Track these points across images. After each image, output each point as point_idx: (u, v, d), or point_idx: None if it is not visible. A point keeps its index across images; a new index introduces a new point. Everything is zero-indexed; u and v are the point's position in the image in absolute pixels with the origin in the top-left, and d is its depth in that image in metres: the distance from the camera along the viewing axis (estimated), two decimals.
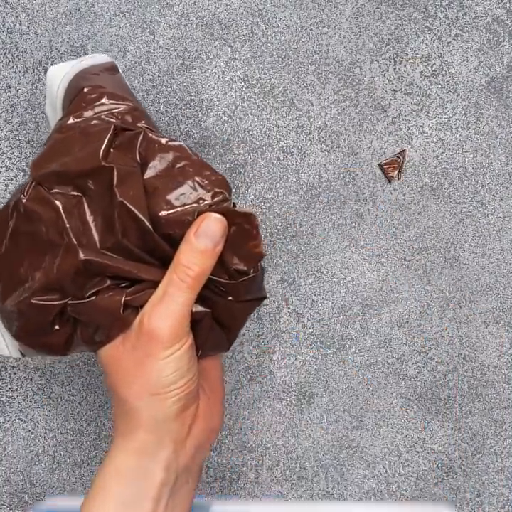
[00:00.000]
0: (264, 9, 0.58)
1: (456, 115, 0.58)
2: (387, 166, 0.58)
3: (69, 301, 0.41)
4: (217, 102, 0.58)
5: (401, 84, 0.58)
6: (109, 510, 0.39)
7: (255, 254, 0.41)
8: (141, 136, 0.42)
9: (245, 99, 0.58)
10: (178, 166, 0.42)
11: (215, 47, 0.58)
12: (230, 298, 0.43)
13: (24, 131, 0.58)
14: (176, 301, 0.39)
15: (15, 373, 0.58)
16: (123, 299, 0.40)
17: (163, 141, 0.42)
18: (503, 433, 0.58)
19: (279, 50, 0.58)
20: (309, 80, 0.58)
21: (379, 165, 0.58)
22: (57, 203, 0.41)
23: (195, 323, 0.42)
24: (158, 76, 0.58)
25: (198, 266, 0.40)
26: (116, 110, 0.43)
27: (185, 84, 0.58)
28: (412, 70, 0.58)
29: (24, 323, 0.41)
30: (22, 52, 0.58)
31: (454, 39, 0.58)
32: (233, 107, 0.58)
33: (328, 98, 0.58)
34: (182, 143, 0.43)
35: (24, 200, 0.41)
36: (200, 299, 0.42)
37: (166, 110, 0.58)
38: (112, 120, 0.43)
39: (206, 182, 0.41)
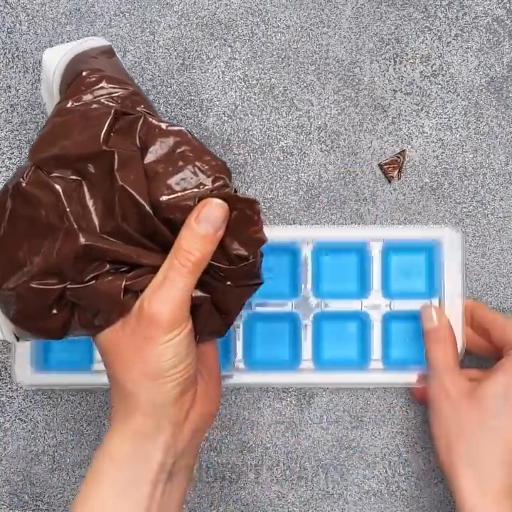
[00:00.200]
0: (264, 9, 0.58)
1: (456, 115, 0.58)
2: (387, 166, 0.58)
3: (68, 286, 0.40)
4: (217, 102, 0.58)
5: (401, 84, 0.58)
6: (106, 494, 0.39)
7: (256, 239, 0.41)
8: (141, 120, 0.42)
9: (245, 99, 0.58)
10: (179, 150, 0.42)
11: (215, 47, 0.58)
12: (228, 283, 0.43)
13: (24, 131, 0.58)
14: (177, 286, 0.39)
15: None
16: (123, 283, 0.40)
17: (164, 125, 0.42)
18: None
19: (279, 50, 0.58)
20: (309, 80, 0.58)
21: (379, 165, 0.58)
22: (57, 186, 0.40)
23: (195, 308, 0.42)
24: (158, 76, 0.58)
25: (198, 251, 0.39)
26: (116, 94, 0.43)
27: (185, 84, 0.58)
28: (412, 70, 0.58)
29: (22, 307, 0.41)
30: (22, 52, 0.58)
31: (454, 39, 0.58)
32: (233, 107, 0.58)
33: (328, 98, 0.58)
34: (182, 127, 0.43)
35: (23, 184, 0.41)
36: (199, 284, 0.42)
37: (166, 110, 0.58)
38: (111, 104, 0.43)
39: (206, 167, 0.41)
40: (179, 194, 0.40)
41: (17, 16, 0.58)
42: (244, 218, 0.41)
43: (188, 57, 0.58)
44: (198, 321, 0.43)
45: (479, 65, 0.58)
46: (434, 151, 0.58)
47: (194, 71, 0.58)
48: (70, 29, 0.58)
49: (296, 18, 0.58)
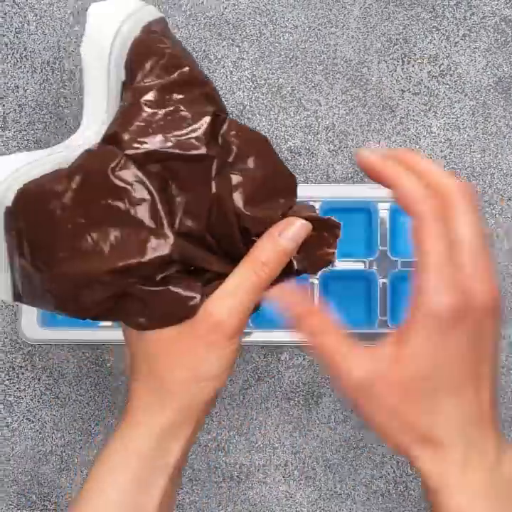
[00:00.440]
0: (272, 9, 0.58)
1: (464, 115, 0.58)
2: None
3: (141, 287, 0.39)
4: (225, 102, 0.58)
5: (409, 84, 0.58)
6: (122, 484, 0.40)
7: (326, 261, 0.42)
8: (226, 122, 0.41)
9: (253, 99, 0.58)
10: (258, 160, 0.41)
11: (223, 47, 0.58)
12: None
13: (32, 131, 0.58)
14: (248, 297, 0.39)
15: (23, 373, 0.58)
16: (200, 293, 0.39)
17: (246, 129, 0.41)
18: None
19: (286, 50, 0.58)
20: (317, 80, 0.58)
21: None
22: (150, 184, 0.39)
23: None
24: None
25: (275, 265, 0.40)
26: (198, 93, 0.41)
27: None
28: (420, 70, 0.58)
29: (70, 292, 0.39)
30: (30, 52, 0.58)
31: (461, 39, 0.58)
32: (241, 107, 0.58)
33: (336, 98, 0.58)
34: (263, 135, 0.42)
35: (112, 176, 0.38)
36: None
37: None
38: (208, 107, 0.41)
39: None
40: (263, 206, 0.40)
41: (25, 16, 0.58)
42: (321, 239, 0.41)
43: (196, 57, 0.58)
44: None
45: (487, 65, 0.58)
46: (441, 151, 0.58)
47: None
48: (77, 29, 0.58)
49: (304, 18, 0.58)
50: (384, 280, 0.56)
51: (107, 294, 0.39)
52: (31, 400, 0.58)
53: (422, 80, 0.58)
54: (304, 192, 0.57)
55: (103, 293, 0.39)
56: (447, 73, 0.58)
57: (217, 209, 0.39)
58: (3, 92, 0.58)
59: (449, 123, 0.58)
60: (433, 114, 0.58)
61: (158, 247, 0.38)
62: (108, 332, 0.56)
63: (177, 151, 0.39)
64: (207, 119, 0.39)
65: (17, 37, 0.58)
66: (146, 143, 0.38)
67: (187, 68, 0.41)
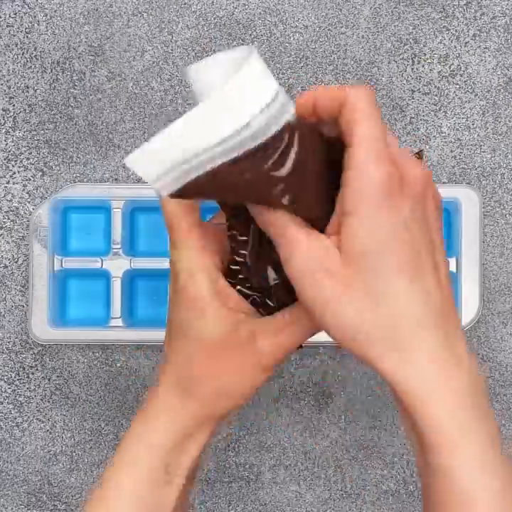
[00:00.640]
0: (282, 9, 0.58)
1: (474, 115, 0.58)
2: None
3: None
4: None
5: (419, 84, 0.58)
6: (138, 478, 0.40)
7: None
8: None
9: None
10: None
11: (233, 47, 0.58)
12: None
13: (42, 131, 0.58)
14: (296, 338, 0.38)
15: (33, 373, 0.58)
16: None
17: None
18: None
19: (297, 50, 0.58)
20: (327, 80, 0.58)
21: None
22: None
23: None
24: (177, 76, 0.58)
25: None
26: None
27: None
28: (430, 70, 0.58)
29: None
30: (40, 52, 0.58)
31: (471, 39, 0.58)
32: None
33: None
34: None
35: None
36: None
37: (185, 110, 0.58)
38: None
39: None
40: None
41: (35, 16, 0.58)
42: None
43: (206, 57, 0.58)
44: None
45: (497, 65, 0.58)
46: (452, 151, 0.58)
47: None
48: (88, 29, 0.58)
49: (314, 18, 0.58)
50: None
51: None
52: (41, 399, 0.58)
53: (432, 79, 0.58)
54: None
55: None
56: (457, 73, 0.58)
57: None
58: (13, 92, 0.58)
59: (459, 123, 0.58)
60: (443, 114, 0.58)
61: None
62: (118, 332, 0.56)
63: None
64: None
65: (27, 37, 0.58)
66: None
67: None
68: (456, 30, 0.58)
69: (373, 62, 0.58)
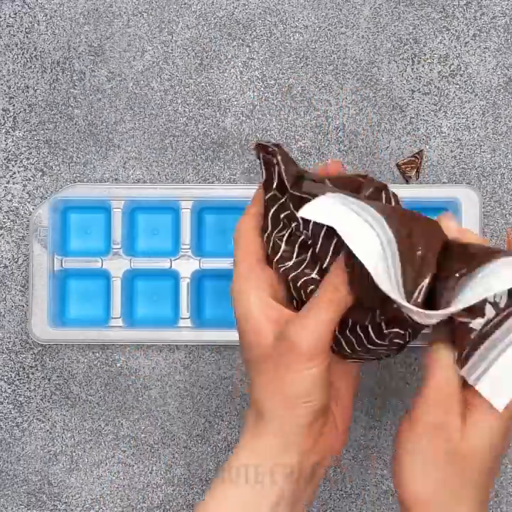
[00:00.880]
0: (282, 9, 0.58)
1: (474, 115, 0.58)
2: (405, 166, 0.58)
3: None
4: (235, 102, 0.58)
5: (419, 84, 0.58)
6: (225, 510, 0.40)
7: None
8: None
9: (263, 99, 0.58)
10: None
11: (233, 47, 0.58)
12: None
13: (42, 131, 0.58)
14: (325, 317, 0.40)
15: (33, 373, 0.58)
16: None
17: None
18: None
19: (297, 50, 0.58)
20: (327, 80, 0.58)
21: (397, 165, 0.58)
22: None
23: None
24: (176, 76, 0.58)
25: (344, 289, 0.40)
26: None
27: (203, 84, 0.58)
28: (430, 70, 0.58)
29: None
30: (40, 52, 0.58)
31: (471, 39, 0.58)
32: (251, 107, 0.58)
33: (346, 98, 0.58)
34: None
35: None
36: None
37: (184, 110, 0.58)
38: None
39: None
40: None
41: (35, 16, 0.58)
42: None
43: (206, 57, 0.58)
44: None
45: (497, 65, 0.58)
46: (452, 151, 0.58)
47: (212, 71, 0.58)
48: (87, 29, 0.58)
49: (314, 18, 0.58)
50: None
51: None
52: (41, 399, 0.58)
53: (432, 80, 0.58)
54: None
55: None
56: (457, 73, 0.58)
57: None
58: (13, 92, 0.58)
59: (459, 123, 0.58)
60: (443, 114, 0.58)
61: None
62: (118, 332, 0.57)
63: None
64: None
65: (27, 37, 0.58)
66: None
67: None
68: (456, 30, 0.58)
69: (373, 62, 0.58)
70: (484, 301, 0.39)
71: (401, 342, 0.41)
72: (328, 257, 0.41)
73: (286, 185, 0.42)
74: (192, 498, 0.58)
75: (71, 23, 0.58)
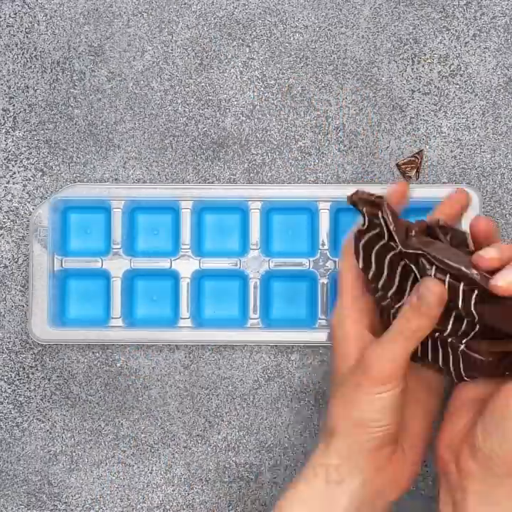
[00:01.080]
0: (282, 9, 0.58)
1: (474, 115, 0.58)
2: (405, 166, 0.58)
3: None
4: (235, 102, 0.58)
5: (419, 84, 0.58)
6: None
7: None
8: None
9: (263, 99, 0.58)
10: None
11: (233, 47, 0.58)
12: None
13: (42, 131, 0.58)
14: (394, 346, 0.42)
15: (33, 373, 0.58)
16: None
17: None
18: None
19: (297, 50, 0.58)
20: (327, 80, 0.58)
21: (397, 165, 0.58)
22: None
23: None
24: (176, 76, 0.58)
25: (415, 322, 0.42)
26: None
27: (203, 84, 0.58)
28: (430, 70, 0.58)
29: None
30: (40, 52, 0.58)
31: (472, 39, 0.58)
32: (251, 107, 0.58)
33: (346, 98, 0.58)
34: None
35: None
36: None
37: (184, 110, 0.58)
38: None
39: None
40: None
41: (35, 16, 0.58)
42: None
43: (206, 57, 0.58)
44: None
45: (497, 65, 0.58)
46: (452, 151, 0.58)
47: (212, 71, 0.58)
48: (87, 29, 0.58)
49: (314, 18, 0.58)
50: None
51: None
52: (41, 399, 0.58)
53: (432, 80, 0.58)
54: (314, 192, 0.57)
55: None
56: (457, 73, 0.58)
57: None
58: (13, 92, 0.58)
59: (459, 123, 0.58)
60: (443, 114, 0.58)
61: None
62: (118, 332, 0.57)
63: None
64: None
65: (27, 37, 0.58)
66: None
67: None
68: (456, 30, 0.58)
69: (373, 62, 0.58)
70: None
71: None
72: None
73: (395, 239, 0.44)
74: (192, 498, 0.58)
75: (71, 23, 0.58)
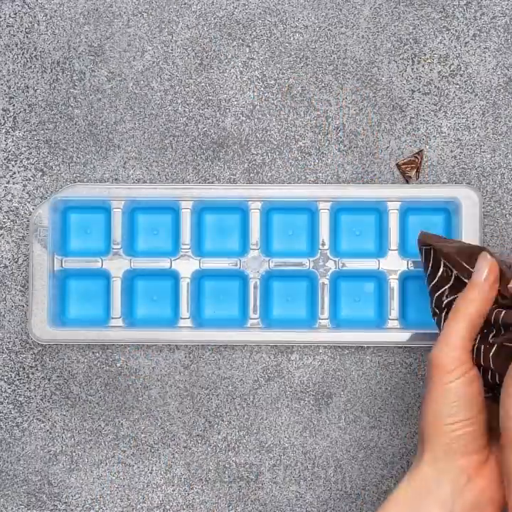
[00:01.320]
0: (282, 9, 0.58)
1: (474, 115, 0.58)
2: (405, 166, 0.58)
3: None
4: (235, 102, 0.58)
5: (419, 84, 0.58)
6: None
7: None
8: None
9: (263, 99, 0.58)
10: None
11: (233, 47, 0.58)
12: None
13: (42, 131, 0.58)
14: (451, 329, 0.43)
15: (33, 373, 0.58)
16: None
17: None
18: None
19: (297, 50, 0.58)
20: (327, 80, 0.58)
21: (397, 165, 0.58)
22: None
23: None
24: (176, 76, 0.58)
25: (471, 297, 0.44)
26: None
27: (203, 84, 0.58)
28: (430, 70, 0.58)
29: None
30: (40, 52, 0.58)
31: (471, 39, 0.58)
32: (251, 107, 0.58)
33: (346, 98, 0.58)
34: None
35: None
36: None
37: (184, 110, 0.58)
38: None
39: None
40: None
41: (35, 16, 0.58)
42: None
43: (206, 57, 0.58)
44: None
45: (497, 65, 0.58)
46: (452, 151, 0.58)
47: (212, 71, 0.58)
48: (87, 29, 0.58)
49: (314, 18, 0.58)
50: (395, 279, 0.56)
51: None
52: (41, 399, 0.58)
53: (432, 80, 0.58)
54: (314, 192, 0.57)
55: None
56: (457, 73, 0.58)
57: None
58: (13, 92, 0.58)
59: (459, 123, 0.58)
60: (443, 114, 0.58)
61: None
62: (118, 332, 0.57)
63: None
64: None
65: (27, 37, 0.58)
66: None
67: None
68: (456, 30, 0.58)
69: (373, 62, 0.58)
70: None
71: None
72: None
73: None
74: (192, 498, 0.58)
75: (71, 23, 0.58)
